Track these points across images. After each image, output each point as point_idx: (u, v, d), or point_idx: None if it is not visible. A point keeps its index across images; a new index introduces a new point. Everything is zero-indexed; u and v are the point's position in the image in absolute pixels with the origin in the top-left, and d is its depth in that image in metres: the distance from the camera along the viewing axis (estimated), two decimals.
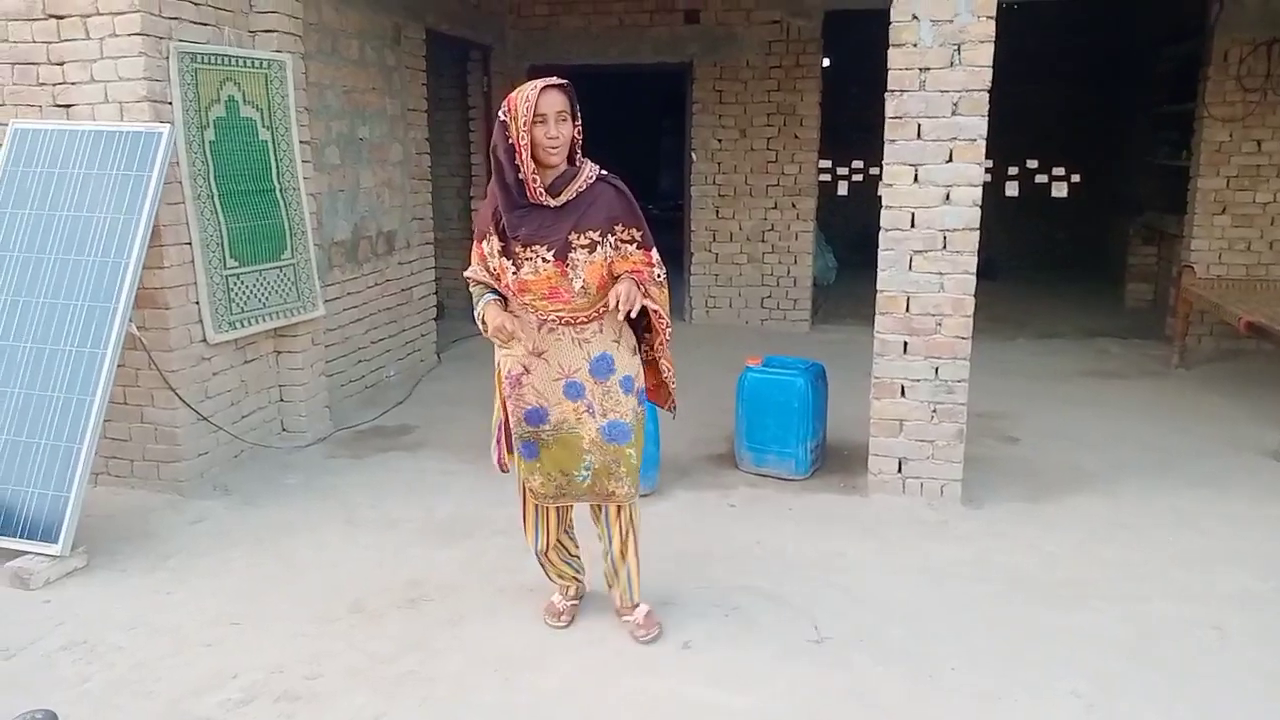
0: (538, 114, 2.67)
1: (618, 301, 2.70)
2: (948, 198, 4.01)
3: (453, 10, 6.80)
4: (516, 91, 2.73)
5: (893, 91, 4.02)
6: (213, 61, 4.26)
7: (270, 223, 4.61)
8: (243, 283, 4.47)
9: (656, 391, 3.14)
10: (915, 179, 4.03)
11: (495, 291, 2.92)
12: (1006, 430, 5.24)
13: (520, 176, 2.71)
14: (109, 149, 3.93)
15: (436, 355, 6.67)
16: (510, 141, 2.70)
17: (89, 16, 3.98)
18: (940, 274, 4.04)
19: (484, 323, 2.85)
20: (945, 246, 4.03)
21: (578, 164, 2.82)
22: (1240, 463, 4.75)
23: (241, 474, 4.51)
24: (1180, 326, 6.54)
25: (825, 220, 8.65)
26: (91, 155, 3.95)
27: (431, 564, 3.64)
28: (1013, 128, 10.26)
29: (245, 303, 4.49)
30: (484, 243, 2.86)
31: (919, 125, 4.00)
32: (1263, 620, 3.23)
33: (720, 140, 7.89)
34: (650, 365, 3.08)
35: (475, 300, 2.93)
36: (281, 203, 4.66)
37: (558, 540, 3.18)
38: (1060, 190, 11.59)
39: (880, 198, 4.10)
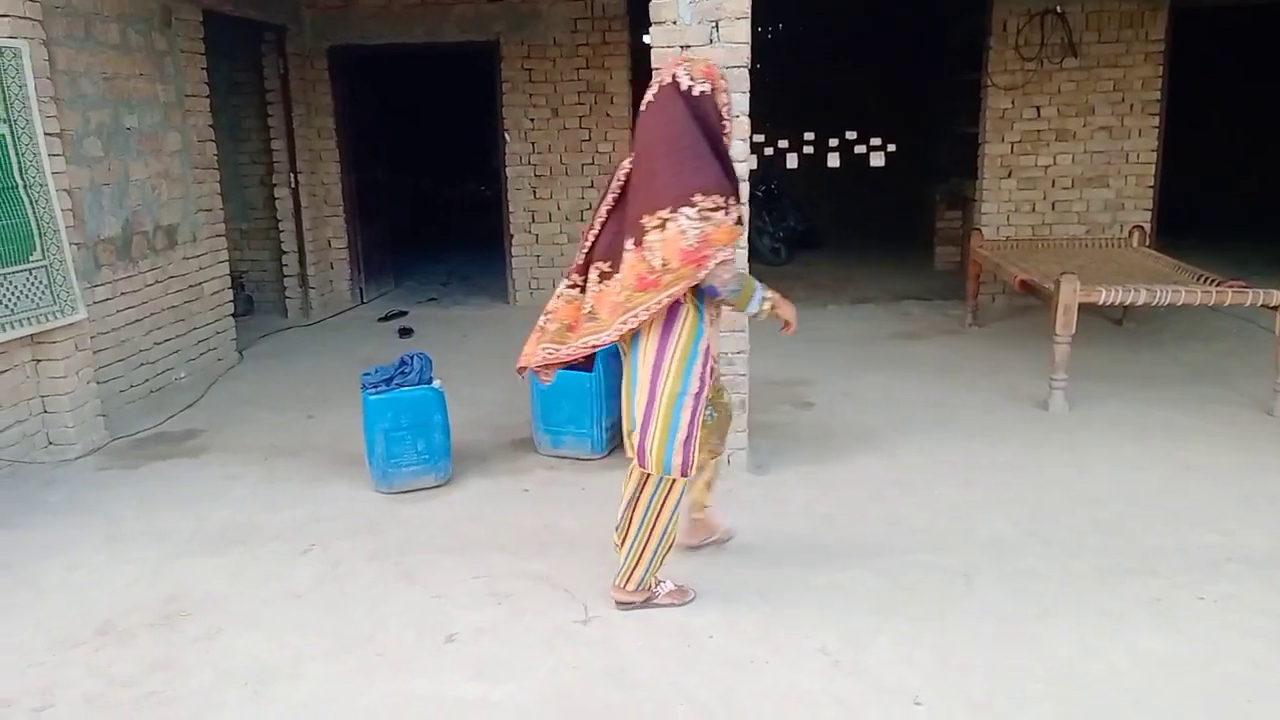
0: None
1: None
2: None
3: None
4: (705, 65, 2.83)
5: (658, 69, 4.02)
6: None
7: (13, 223, 4.26)
8: None
9: None
10: None
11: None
12: (804, 396, 5.40)
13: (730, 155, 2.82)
14: None
15: (238, 353, 6.38)
16: (722, 119, 2.83)
17: None
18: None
19: (772, 310, 2.96)
20: None
21: None
22: (1014, 414, 5.04)
23: None
24: (972, 287, 6.88)
25: None
26: None
27: (195, 576, 3.47)
28: (834, 104, 10.65)
29: None
30: (736, 220, 2.76)
31: None
32: (1008, 565, 3.43)
33: (533, 120, 7.81)
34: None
35: (752, 287, 2.88)
36: (26, 200, 4.32)
37: None
38: (878, 160, 12.03)
39: None
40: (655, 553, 3.03)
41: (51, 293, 4.45)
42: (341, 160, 7.91)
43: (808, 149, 10.67)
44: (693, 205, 2.65)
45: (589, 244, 2.98)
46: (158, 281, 5.49)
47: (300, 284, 7.73)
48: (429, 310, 8.03)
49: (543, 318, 3.07)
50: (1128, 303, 5.05)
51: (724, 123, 2.83)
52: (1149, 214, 7.41)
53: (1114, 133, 7.34)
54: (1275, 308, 4.78)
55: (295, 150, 7.49)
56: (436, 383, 4.26)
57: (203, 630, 3.11)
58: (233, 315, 6.38)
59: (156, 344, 5.48)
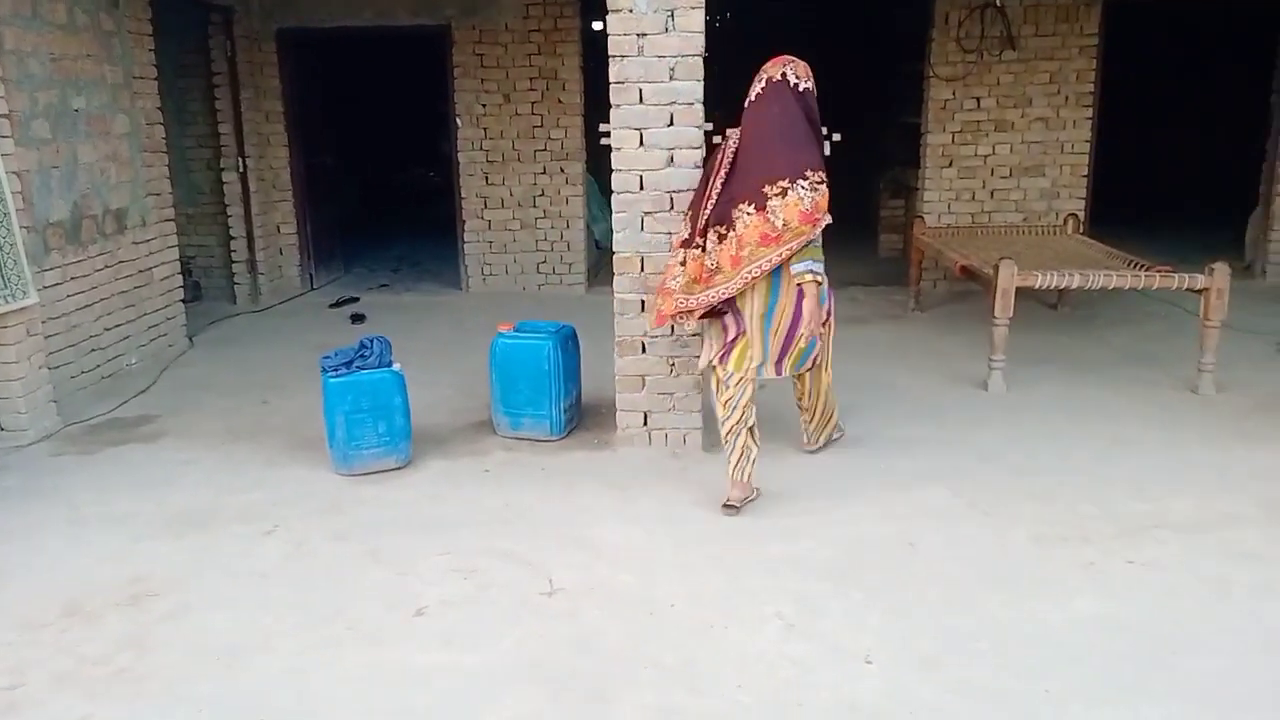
0: None
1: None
2: (671, 160, 4.16)
3: None
4: (804, 65, 3.59)
5: (614, 57, 4.12)
6: None
7: None
8: None
9: None
10: (641, 142, 4.17)
11: None
12: None
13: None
14: None
15: (188, 339, 6.33)
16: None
17: None
18: (669, 233, 4.18)
19: (803, 284, 3.56)
20: (672, 207, 4.19)
21: None
22: (956, 394, 5.24)
23: None
24: (914, 273, 7.09)
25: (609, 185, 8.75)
26: None
27: (159, 558, 3.49)
28: None
29: None
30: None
31: (640, 90, 4.12)
32: (950, 532, 3.61)
33: (485, 105, 7.81)
34: None
35: (817, 255, 3.56)
36: None
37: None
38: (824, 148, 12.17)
39: None
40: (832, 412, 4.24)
41: (2, 277, 4.39)
42: (290, 144, 7.85)
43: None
44: (805, 179, 3.41)
45: (707, 212, 3.66)
46: (107, 266, 5.43)
47: (249, 270, 7.67)
48: (381, 296, 8.02)
49: (671, 281, 3.76)
50: (1062, 287, 5.28)
51: (818, 112, 3.56)
52: (1083, 202, 7.69)
53: (1050, 124, 7.59)
54: (1199, 291, 5.04)
55: (243, 134, 7.42)
56: (396, 366, 4.31)
57: (170, 609, 3.14)
58: (182, 301, 6.32)
59: (107, 329, 5.43)
